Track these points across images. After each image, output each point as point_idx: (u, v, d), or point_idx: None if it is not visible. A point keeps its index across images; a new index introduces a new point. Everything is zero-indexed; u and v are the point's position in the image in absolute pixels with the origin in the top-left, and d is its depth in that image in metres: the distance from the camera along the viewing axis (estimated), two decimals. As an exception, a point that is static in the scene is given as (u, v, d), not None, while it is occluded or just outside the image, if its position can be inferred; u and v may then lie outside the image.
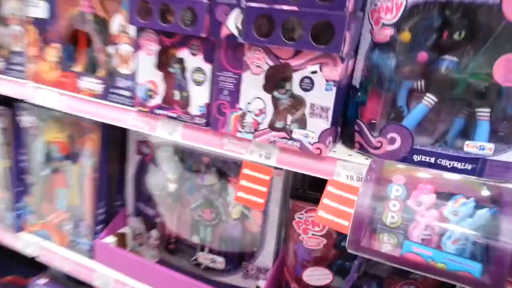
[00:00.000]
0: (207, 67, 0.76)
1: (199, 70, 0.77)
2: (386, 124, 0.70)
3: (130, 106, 0.87)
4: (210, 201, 0.98)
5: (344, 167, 0.71)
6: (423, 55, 0.67)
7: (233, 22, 0.70)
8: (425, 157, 0.67)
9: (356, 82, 0.74)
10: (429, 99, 0.67)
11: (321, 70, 0.67)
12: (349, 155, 0.73)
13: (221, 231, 1.00)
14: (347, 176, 0.71)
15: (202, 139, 0.81)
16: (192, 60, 0.77)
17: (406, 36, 0.66)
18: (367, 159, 0.71)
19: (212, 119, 0.78)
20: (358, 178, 0.70)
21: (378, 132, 0.70)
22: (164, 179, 1.01)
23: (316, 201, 0.73)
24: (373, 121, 0.71)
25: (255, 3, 0.67)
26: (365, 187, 0.65)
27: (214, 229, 1.00)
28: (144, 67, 0.82)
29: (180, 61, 0.79)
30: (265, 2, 0.66)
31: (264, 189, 0.78)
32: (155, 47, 0.80)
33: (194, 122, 0.80)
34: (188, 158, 1.00)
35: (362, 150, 0.73)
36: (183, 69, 0.79)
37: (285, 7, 0.65)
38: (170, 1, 0.73)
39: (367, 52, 0.71)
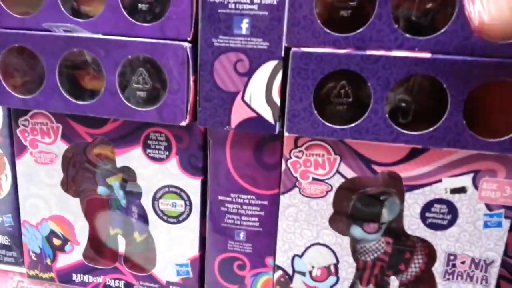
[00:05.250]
0: (193, 186, 0.34)
1: (172, 191, 0.35)
2: None
3: (12, 264, 0.41)
4: None
5: None
6: None
7: (259, 95, 0.30)
8: None
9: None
10: None
11: (476, 185, 0.30)
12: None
13: None
14: None
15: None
16: (155, 170, 0.34)
17: None
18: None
19: (210, 288, 0.37)
20: None
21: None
22: None
23: None
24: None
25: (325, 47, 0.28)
26: None
27: None
28: (34, 191, 0.37)
29: (123, 171, 0.36)
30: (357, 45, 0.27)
31: None
32: (58, 149, 0.35)
33: (168, 296, 0.37)
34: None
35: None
36: (130, 191, 0.37)
37: (407, 54, 0.27)
38: (93, 45, 0.30)
39: None
